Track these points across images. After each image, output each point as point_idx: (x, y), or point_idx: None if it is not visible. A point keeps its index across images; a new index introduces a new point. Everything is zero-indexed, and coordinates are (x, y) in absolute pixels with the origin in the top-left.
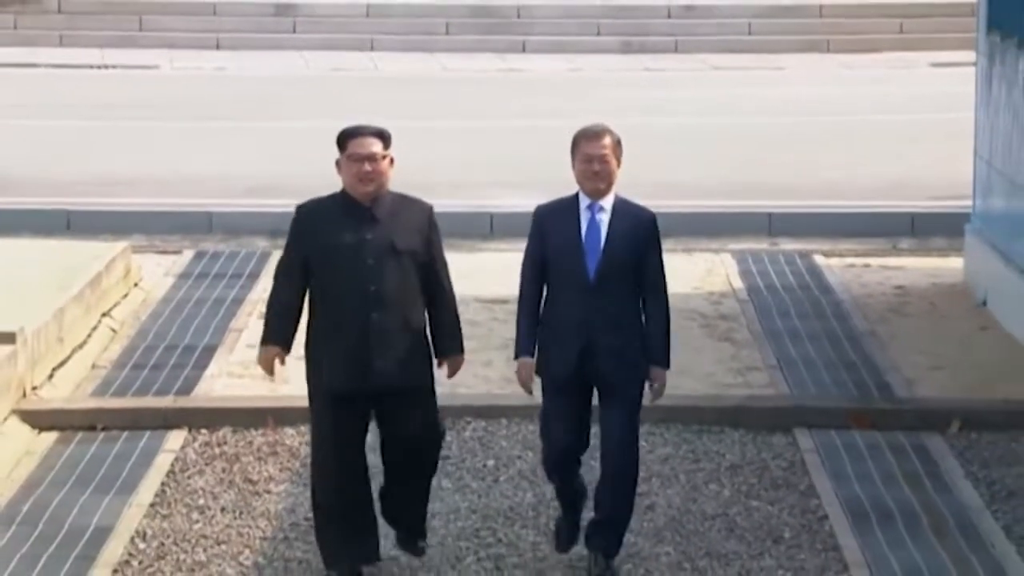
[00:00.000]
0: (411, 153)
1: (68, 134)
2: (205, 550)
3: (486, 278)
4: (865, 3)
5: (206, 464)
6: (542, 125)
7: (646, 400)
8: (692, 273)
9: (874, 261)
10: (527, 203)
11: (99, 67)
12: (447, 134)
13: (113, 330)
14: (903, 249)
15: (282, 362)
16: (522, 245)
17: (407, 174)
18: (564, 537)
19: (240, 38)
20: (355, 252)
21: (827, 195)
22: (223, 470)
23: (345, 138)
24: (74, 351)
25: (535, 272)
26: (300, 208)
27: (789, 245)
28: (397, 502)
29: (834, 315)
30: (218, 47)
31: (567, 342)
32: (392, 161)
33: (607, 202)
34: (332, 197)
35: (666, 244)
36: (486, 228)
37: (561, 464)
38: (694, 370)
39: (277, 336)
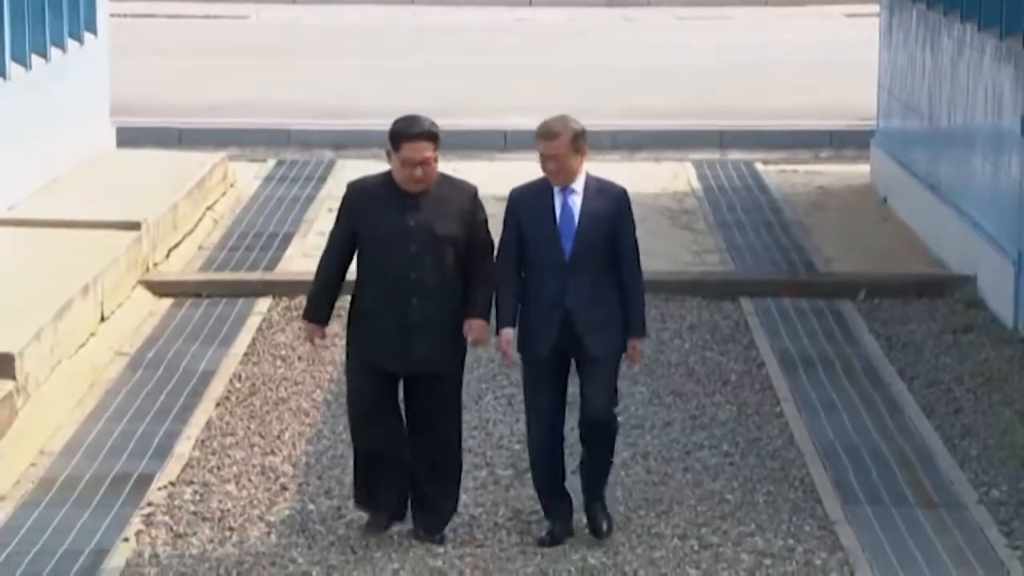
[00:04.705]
0: (442, 84)
1: (180, 69)
2: (286, 389)
3: (501, 181)
4: None
5: (286, 323)
6: (545, 62)
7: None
8: (661, 177)
9: (801, 167)
10: (533, 122)
11: (202, 17)
12: (470, 69)
13: (215, 220)
14: (823, 158)
15: (322, 337)
16: (529, 156)
17: (439, 100)
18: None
19: None
20: (398, 239)
21: (765, 116)
22: (299, 328)
23: (399, 139)
24: (185, 236)
25: (513, 252)
26: (351, 185)
27: (736, 155)
28: (419, 452)
29: (770, 209)
30: (295, 2)
31: (547, 318)
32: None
33: (578, 184)
34: (381, 179)
35: (640, 155)
36: (501, 142)
37: (547, 439)
38: (662, 252)
39: (318, 315)
